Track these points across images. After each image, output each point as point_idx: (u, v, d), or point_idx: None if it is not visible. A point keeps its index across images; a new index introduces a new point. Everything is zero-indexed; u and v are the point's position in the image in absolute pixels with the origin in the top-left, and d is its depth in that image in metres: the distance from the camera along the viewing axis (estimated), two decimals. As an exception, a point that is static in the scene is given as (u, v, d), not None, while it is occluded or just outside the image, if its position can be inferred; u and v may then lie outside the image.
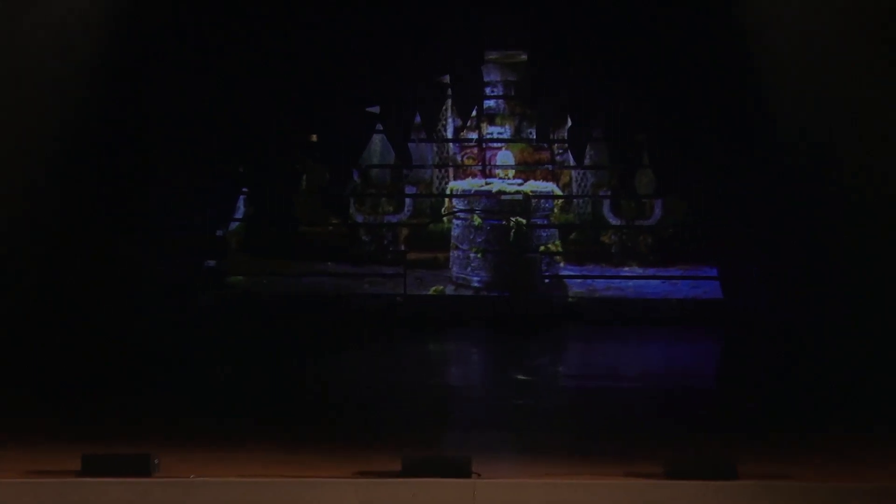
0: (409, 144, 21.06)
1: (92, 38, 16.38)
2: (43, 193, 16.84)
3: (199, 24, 18.39)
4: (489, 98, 21.33)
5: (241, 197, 21.03)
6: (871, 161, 16.10)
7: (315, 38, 18.73)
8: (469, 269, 21.02)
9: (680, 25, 18.19)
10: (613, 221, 21.25)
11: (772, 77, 16.75)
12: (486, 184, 21.21)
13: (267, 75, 19.37)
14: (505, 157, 21.48)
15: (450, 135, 21.51)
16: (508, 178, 21.28)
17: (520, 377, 17.90)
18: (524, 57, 20.80)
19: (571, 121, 20.94)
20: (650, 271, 20.93)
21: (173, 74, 18.96)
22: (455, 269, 21.06)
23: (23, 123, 16.14)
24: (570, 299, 20.89)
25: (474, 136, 21.48)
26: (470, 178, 21.42)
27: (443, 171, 21.56)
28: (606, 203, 21.26)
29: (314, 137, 21.00)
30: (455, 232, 21.18)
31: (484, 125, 21.42)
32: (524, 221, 20.97)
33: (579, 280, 21.07)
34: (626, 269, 21.05)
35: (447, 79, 20.88)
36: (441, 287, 20.96)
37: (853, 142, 16.17)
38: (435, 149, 21.58)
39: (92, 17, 16.41)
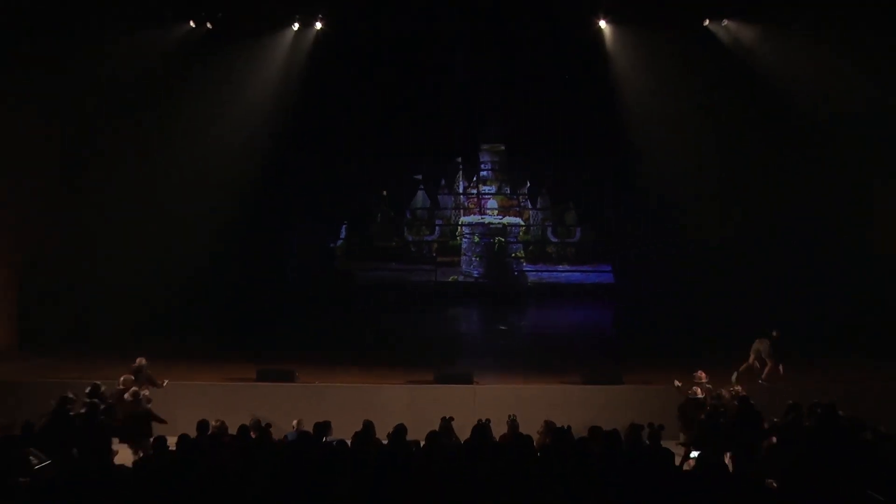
0: (438, 196, 20.99)
1: (259, 144, 16.54)
2: (236, 227, 16.95)
3: (317, 140, 18.49)
4: (483, 170, 21.21)
5: (344, 226, 20.96)
6: (699, 212, 16.74)
7: (382, 142, 18.73)
8: (471, 267, 20.87)
9: (593, 133, 18.16)
10: (553, 240, 21.08)
11: (647, 163, 16.99)
12: (481, 218, 21.10)
13: (356, 160, 19.42)
14: (492, 203, 21.34)
15: (461, 190, 21.37)
16: (494, 215, 21.13)
17: (501, 328, 17.81)
18: (503, 147, 20.74)
19: (530, 183, 20.89)
20: (574, 268, 20.76)
21: (304, 164, 19.21)
22: (463, 267, 20.87)
23: (224, 190, 16.27)
24: (529, 285, 20.71)
25: (475, 191, 21.35)
26: (472, 215, 21.26)
27: (457, 211, 21.42)
28: (549, 229, 21.10)
29: (384, 192, 20.95)
30: (463, 245, 20.99)
31: (480, 185, 21.32)
32: (503, 240, 20.85)
33: (534, 273, 20.91)
34: (560, 266, 20.85)
35: (459, 160, 20.82)
36: (456, 277, 20.78)
37: (690, 201, 16.73)
38: (452, 199, 21.44)
39: (259, 131, 16.43)
